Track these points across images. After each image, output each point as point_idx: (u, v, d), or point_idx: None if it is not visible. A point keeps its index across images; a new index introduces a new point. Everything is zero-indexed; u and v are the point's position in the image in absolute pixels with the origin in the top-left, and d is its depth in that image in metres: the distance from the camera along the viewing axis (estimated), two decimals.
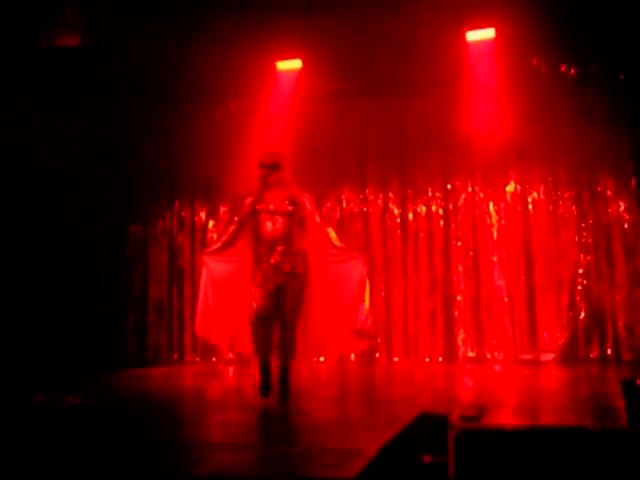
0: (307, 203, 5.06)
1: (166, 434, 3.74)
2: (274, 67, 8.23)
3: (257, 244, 4.99)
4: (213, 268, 5.22)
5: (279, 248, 4.89)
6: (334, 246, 5.14)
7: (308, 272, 5.03)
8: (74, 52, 7.12)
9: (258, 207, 4.98)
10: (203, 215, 9.12)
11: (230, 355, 8.51)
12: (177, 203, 9.24)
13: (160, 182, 9.18)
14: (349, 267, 5.13)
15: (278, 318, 4.93)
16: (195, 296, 8.85)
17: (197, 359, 8.88)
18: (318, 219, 5.12)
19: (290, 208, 4.96)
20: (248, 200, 5.04)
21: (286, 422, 4.31)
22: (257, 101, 8.40)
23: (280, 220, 4.94)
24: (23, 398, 4.98)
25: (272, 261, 4.88)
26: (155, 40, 7.36)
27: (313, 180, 8.76)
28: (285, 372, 4.97)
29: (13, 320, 6.94)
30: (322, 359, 8.48)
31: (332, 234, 5.16)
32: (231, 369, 8.07)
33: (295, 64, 8.17)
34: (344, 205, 8.79)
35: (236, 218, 5.17)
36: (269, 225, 4.94)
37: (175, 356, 8.96)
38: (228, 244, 5.17)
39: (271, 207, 4.95)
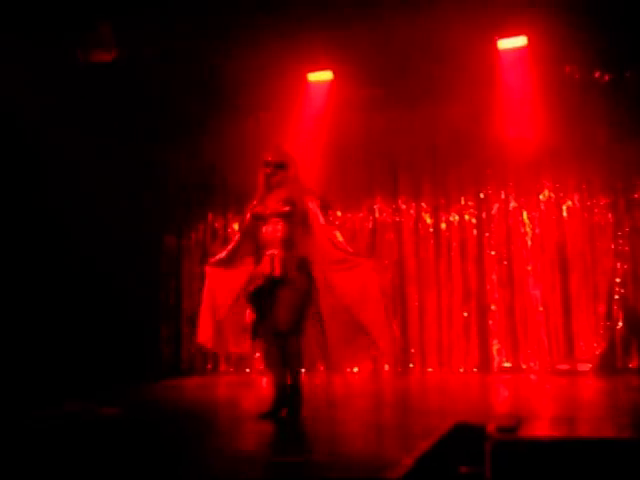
0: (309, 203, 4.55)
1: (199, 444, 3.76)
2: (305, 78, 8.27)
3: (258, 250, 4.56)
4: (215, 278, 4.85)
5: (275, 252, 4.41)
6: (338, 250, 4.55)
7: (309, 281, 4.50)
8: (108, 66, 7.24)
9: (257, 210, 4.56)
10: (236, 226, 9.17)
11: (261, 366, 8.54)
12: (210, 215, 9.32)
13: (193, 194, 9.27)
14: (358, 274, 4.55)
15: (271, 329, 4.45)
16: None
17: (231, 369, 8.92)
18: (322, 221, 4.56)
19: (285, 209, 4.45)
20: (251, 205, 4.66)
21: (318, 432, 4.30)
22: (288, 112, 8.45)
23: (277, 223, 4.47)
24: (59, 407, 5.05)
25: (260, 265, 4.46)
26: (187, 53, 7.46)
27: (345, 190, 8.82)
28: (287, 388, 4.45)
29: (51, 331, 7.06)
30: (355, 369, 8.48)
31: (339, 237, 4.62)
32: (264, 380, 8.09)
33: (326, 75, 8.21)
34: (377, 215, 8.78)
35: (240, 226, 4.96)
36: (266, 229, 4.49)
37: (209, 366, 9.01)
38: (233, 253, 4.79)
39: (268, 210, 4.50)
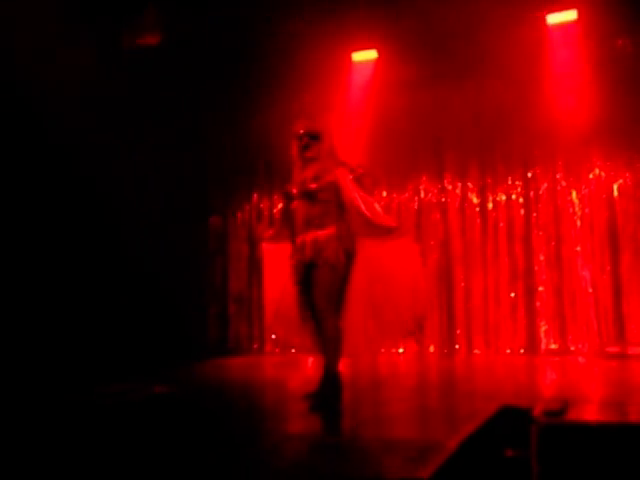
0: (340, 177, 4.16)
1: (244, 424, 3.81)
2: (349, 58, 8.22)
3: (292, 231, 4.32)
4: (274, 255, 4.54)
5: (305, 235, 4.18)
6: (369, 222, 4.13)
7: (346, 260, 4.17)
8: (154, 49, 7.30)
9: (287, 189, 4.29)
10: (281, 207, 9.20)
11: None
12: (255, 195, 9.37)
13: (238, 174, 9.32)
14: (395, 248, 4.17)
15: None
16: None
17: (277, 349, 8.99)
18: (352, 194, 4.12)
19: (312, 187, 4.13)
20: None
21: (364, 414, 4.31)
22: (333, 92, 8.41)
23: (308, 201, 4.16)
24: (110, 387, 5.17)
25: (295, 249, 4.24)
26: (232, 34, 7.47)
27: (390, 170, 8.76)
28: (326, 374, 4.23)
29: (101, 313, 7.22)
30: (401, 350, 8.47)
31: (373, 208, 4.17)
32: (310, 360, 8.14)
33: (371, 54, 8.15)
34: (422, 195, 8.71)
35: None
36: (298, 207, 4.21)
37: (255, 346, 9.11)
38: (281, 229, 4.49)
39: (296, 188, 4.22)
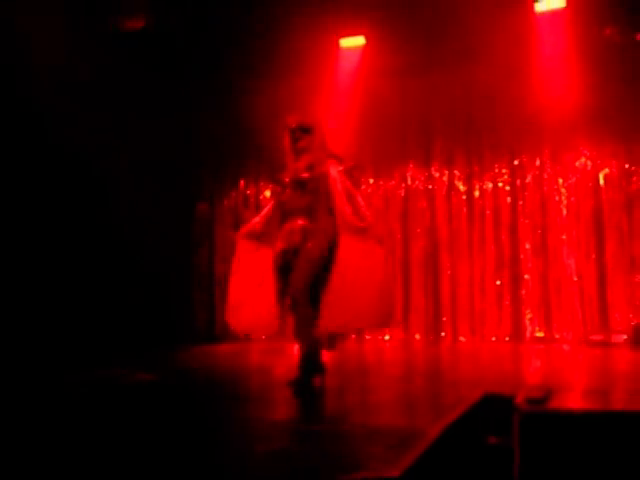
0: (331, 169, 4.26)
1: (231, 411, 3.80)
2: (337, 44, 8.17)
3: (281, 219, 4.41)
4: (246, 253, 4.58)
5: (294, 223, 4.28)
6: (348, 222, 4.19)
7: (329, 251, 4.23)
8: (139, 33, 7.23)
9: (278, 177, 4.40)
10: (268, 194, 9.17)
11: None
12: (242, 181, 9.34)
13: (225, 160, 9.29)
14: (363, 249, 4.21)
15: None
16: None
17: (262, 336, 8.96)
18: (340, 187, 4.21)
19: (304, 176, 4.25)
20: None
21: (348, 401, 4.32)
22: (321, 78, 8.37)
23: (297, 191, 4.27)
24: (93, 372, 5.16)
25: (282, 236, 4.33)
26: (219, 18, 7.40)
27: (377, 157, 8.75)
28: (302, 361, 4.29)
29: (85, 297, 7.18)
30: (387, 337, 8.50)
31: (356, 202, 4.26)
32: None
33: (358, 41, 8.10)
34: (409, 182, 8.71)
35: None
36: (286, 197, 4.33)
37: None
38: (266, 224, 4.54)
39: (288, 177, 4.33)
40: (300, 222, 4.29)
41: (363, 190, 8.75)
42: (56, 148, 6.97)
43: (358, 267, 4.21)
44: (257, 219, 4.64)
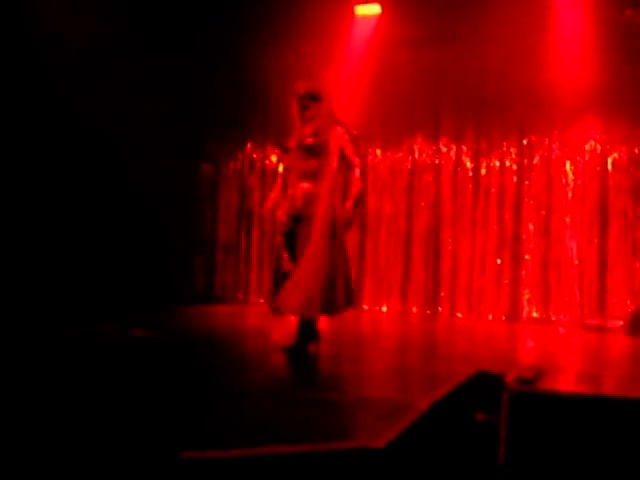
0: (336, 136, 4.35)
1: (223, 372, 3.84)
2: (352, 12, 8.06)
3: (286, 184, 4.51)
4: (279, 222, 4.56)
5: (298, 188, 4.35)
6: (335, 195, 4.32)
7: (333, 216, 4.29)
8: None
9: (285, 143, 4.54)
10: (274, 159, 9.14)
11: None
12: (249, 145, 9.29)
13: (233, 123, 9.22)
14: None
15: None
16: (262, 237, 9.07)
17: (261, 300, 9.03)
18: (344, 154, 4.32)
19: (309, 142, 4.32)
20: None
21: (341, 370, 4.35)
22: (333, 46, 8.27)
23: (304, 155, 4.35)
24: (92, 328, 5.20)
25: (285, 200, 4.41)
26: None
27: (386, 129, 8.69)
28: (301, 328, 4.36)
29: (86, 253, 7.20)
30: (384, 309, 8.53)
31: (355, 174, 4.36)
32: None
33: (374, 9, 7.99)
34: (416, 155, 8.66)
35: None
36: (292, 162, 4.44)
37: (240, 296, 9.14)
38: (283, 189, 4.62)
39: (294, 142, 4.42)
40: (303, 187, 4.35)
41: (369, 160, 8.72)
42: (66, 113, 6.94)
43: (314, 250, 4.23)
44: (273, 194, 4.70)
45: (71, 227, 7.03)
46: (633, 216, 7.66)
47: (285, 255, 4.48)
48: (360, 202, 4.54)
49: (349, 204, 4.38)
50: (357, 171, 4.41)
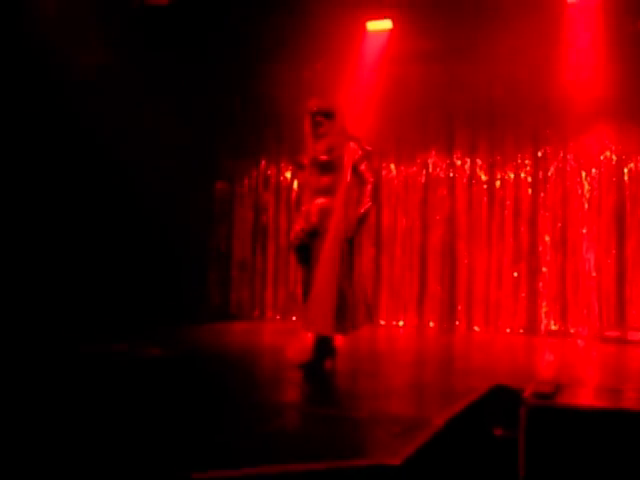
0: (349, 153, 4.38)
1: (239, 389, 3.83)
2: (364, 27, 8.10)
3: (300, 200, 4.69)
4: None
5: (312, 204, 4.40)
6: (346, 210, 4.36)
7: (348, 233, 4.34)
8: (163, 11, 7.22)
9: (299, 160, 4.61)
10: (288, 175, 9.16)
11: None
12: (263, 162, 9.32)
13: (247, 140, 9.27)
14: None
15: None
16: (278, 254, 9.08)
17: (277, 317, 9.03)
18: (357, 171, 4.37)
19: (323, 158, 4.37)
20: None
21: (358, 386, 4.33)
22: (345, 62, 8.31)
23: (317, 171, 4.40)
24: (109, 346, 5.21)
25: (300, 217, 4.48)
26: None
27: (399, 143, 8.70)
28: (318, 344, 4.40)
29: (102, 271, 7.24)
30: (401, 324, 8.49)
31: (367, 190, 4.40)
32: None
33: (385, 24, 8.01)
34: (430, 170, 8.65)
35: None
36: (306, 178, 4.49)
37: (256, 312, 9.14)
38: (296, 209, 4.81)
39: (308, 159, 4.47)
40: (318, 202, 4.39)
41: (383, 175, 8.73)
42: (82, 130, 7.00)
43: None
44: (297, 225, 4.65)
45: (88, 245, 7.08)
46: None
47: (302, 270, 4.52)
48: (366, 219, 4.53)
49: (354, 218, 4.38)
50: (370, 187, 4.43)
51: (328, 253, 4.26)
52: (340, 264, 4.27)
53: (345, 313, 4.27)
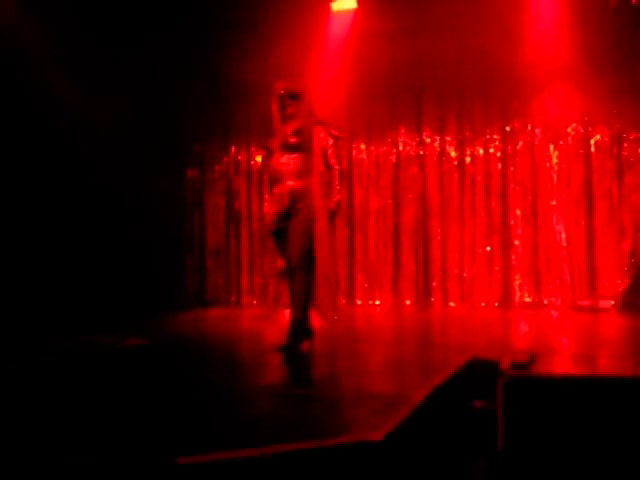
0: (317, 137, 4.39)
1: (219, 375, 3.83)
2: (328, 8, 8.07)
3: (270, 184, 4.54)
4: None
5: (283, 186, 4.37)
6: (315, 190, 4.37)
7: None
8: None
9: (267, 143, 4.55)
10: (259, 159, 9.13)
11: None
12: (233, 147, 9.28)
13: (216, 126, 9.21)
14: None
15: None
16: (251, 239, 9.06)
17: (254, 301, 9.04)
18: (325, 153, 4.39)
19: (292, 141, 4.36)
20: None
21: (337, 366, 4.36)
22: (311, 43, 8.27)
23: (285, 155, 4.38)
24: (84, 337, 5.18)
25: (272, 200, 4.45)
26: None
27: (369, 123, 8.71)
28: (293, 326, 4.40)
29: (78, 262, 7.17)
30: (377, 303, 8.55)
31: (335, 177, 4.44)
32: (287, 312, 8.17)
33: (350, 3, 8.00)
34: (400, 148, 8.68)
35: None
36: (275, 161, 4.44)
37: (233, 298, 9.14)
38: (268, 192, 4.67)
39: (276, 142, 4.44)
40: (289, 184, 4.38)
41: (354, 156, 8.74)
42: (45, 122, 6.90)
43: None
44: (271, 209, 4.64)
45: (58, 235, 7.00)
46: (618, 196, 7.72)
47: (277, 253, 4.52)
48: (337, 213, 4.54)
49: (331, 205, 4.42)
50: (336, 174, 4.45)
51: (319, 240, 4.28)
52: (328, 246, 4.31)
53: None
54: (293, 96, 4.44)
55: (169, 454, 2.02)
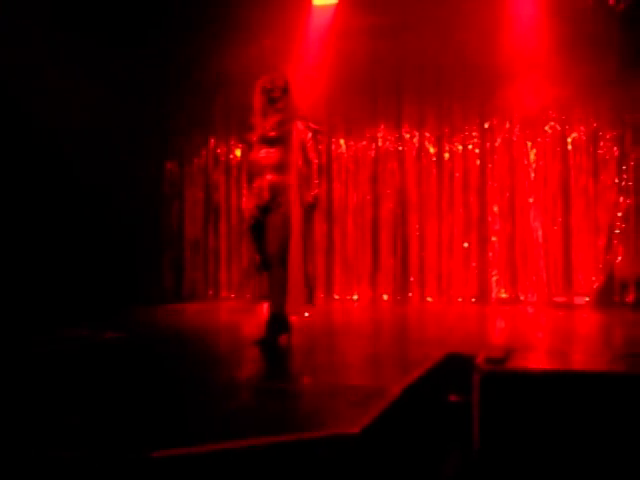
0: (297, 131, 4.50)
1: (196, 368, 3.83)
2: (309, 2, 8.05)
3: (249, 177, 4.58)
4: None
5: (263, 180, 4.40)
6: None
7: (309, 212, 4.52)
8: None
9: (247, 137, 4.58)
10: (238, 153, 9.10)
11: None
12: (212, 140, 9.23)
13: (195, 120, 9.15)
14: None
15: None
16: (230, 233, 9.04)
17: (232, 295, 9.02)
18: (303, 150, 4.53)
19: (272, 134, 4.37)
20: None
21: (314, 360, 4.37)
22: (292, 38, 8.26)
23: (265, 148, 4.41)
24: (61, 331, 5.14)
25: (252, 193, 4.46)
26: None
27: (348, 118, 8.71)
28: (271, 320, 4.44)
29: (54, 256, 7.10)
30: (355, 297, 8.57)
31: (314, 171, 4.57)
32: (265, 306, 8.17)
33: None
34: (379, 144, 8.70)
35: None
36: (256, 154, 4.45)
37: (210, 292, 9.11)
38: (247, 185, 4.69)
39: (256, 135, 4.45)
40: (268, 178, 4.39)
41: (333, 150, 8.75)
42: (22, 116, 6.83)
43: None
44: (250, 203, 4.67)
45: (36, 230, 6.93)
46: (594, 194, 7.80)
47: (255, 247, 4.54)
48: (316, 207, 4.65)
49: (309, 198, 4.53)
50: (315, 168, 4.53)
51: (296, 233, 4.33)
52: (304, 241, 4.36)
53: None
54: (283, 89, 4.44)
55: (144, 448, 2.02)
